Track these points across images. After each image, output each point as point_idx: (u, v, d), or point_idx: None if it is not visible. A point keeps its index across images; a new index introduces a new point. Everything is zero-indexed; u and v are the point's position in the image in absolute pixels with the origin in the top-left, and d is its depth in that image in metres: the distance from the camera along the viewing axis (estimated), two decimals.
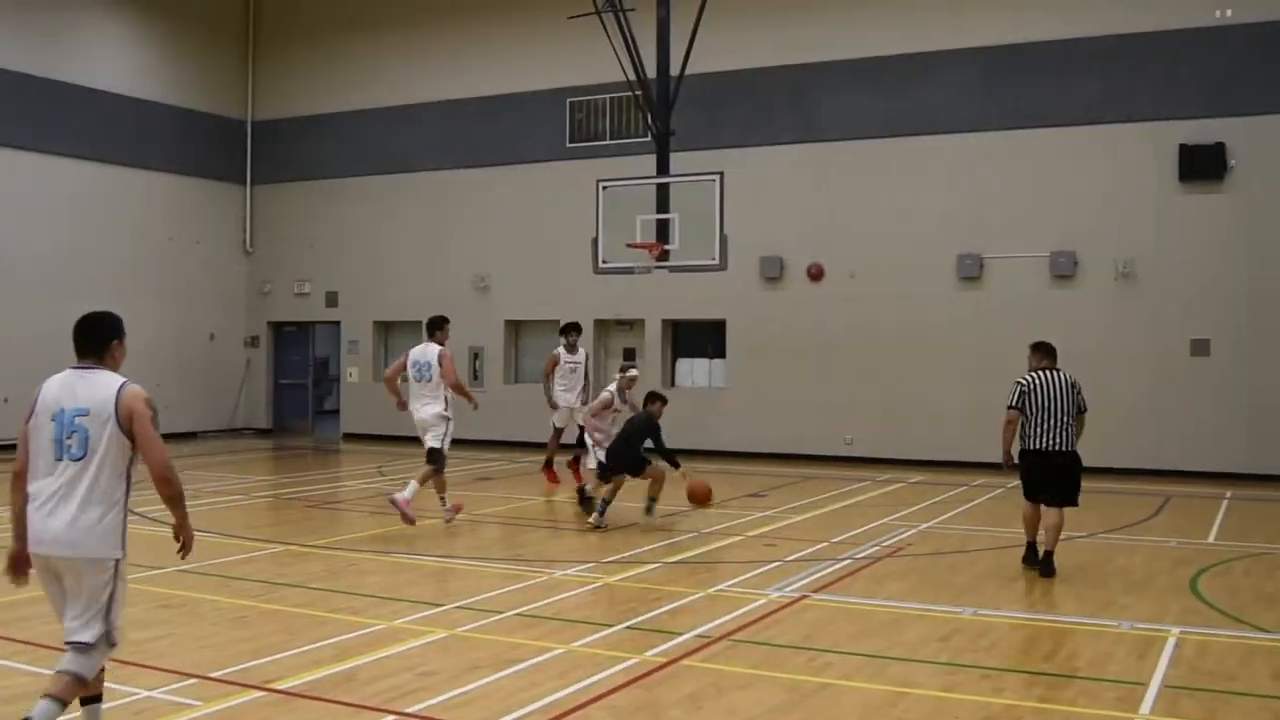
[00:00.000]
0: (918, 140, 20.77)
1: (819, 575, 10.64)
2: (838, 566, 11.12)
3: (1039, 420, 10.85)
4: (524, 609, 9.13)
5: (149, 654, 7.74)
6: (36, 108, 22.92)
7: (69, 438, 5.58)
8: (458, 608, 9.15)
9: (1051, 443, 10.80)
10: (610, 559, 11.47)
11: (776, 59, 21.82)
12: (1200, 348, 18.88)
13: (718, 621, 8.73)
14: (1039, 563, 10.89)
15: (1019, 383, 11.14)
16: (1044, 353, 11.35)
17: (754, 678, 7.32)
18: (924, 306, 20.50)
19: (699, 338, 23.12)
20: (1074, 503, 10.94)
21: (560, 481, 17.18)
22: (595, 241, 17.30)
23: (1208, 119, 18.82)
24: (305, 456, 22.86)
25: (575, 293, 22.81)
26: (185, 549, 5.98)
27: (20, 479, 5.70)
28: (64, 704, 5.56)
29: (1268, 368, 18.50)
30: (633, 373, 15.41)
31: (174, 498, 5.84)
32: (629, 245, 16.84)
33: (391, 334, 26.32)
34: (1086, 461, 11.27)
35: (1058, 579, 10.64)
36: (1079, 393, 11.06)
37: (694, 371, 23.00)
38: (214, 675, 7.26)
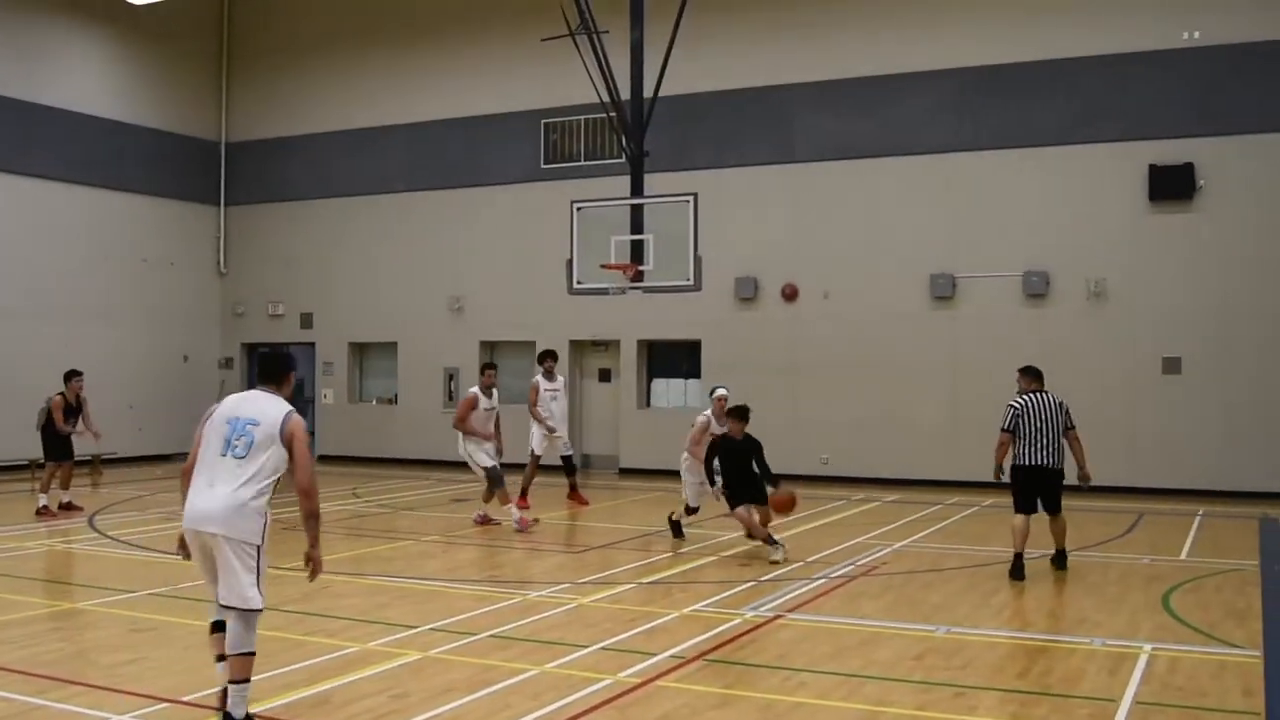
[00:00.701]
0: (891, 161, 20.90)
1: (794, 594, 10.66)
2: (813, 585, 11.14)
3: (1031, 439, 11.66)
4: (498, 630, 9.11)
5: (120, 678, 7.70)
6: (10, 129, 22.82)
7: (238, 439, 6.68)
8: (432, 630, 9.13)
9: (1043, 459, 11.65)
10: (585, 580, 11.46)
11: (750, 80, 21.93)
12: (1172, 365, 19.03)
13: (692, 641, 8.73)
14: (1054, 560, 12.09)
15: (1012, 406, 11.83)
16: (1032, 376, 12.11)
17: (728, 698, 7.33)
18: (898, 326, 20.59)
19: (674, 358, 23.14)
20: (1060, 509, 11.96)
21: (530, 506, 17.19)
22: (570, 262, 17.30)
23: (1177, 139, 19.00)
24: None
25: (550, 313, 22.83)
26: (315, 572, 6.82)
27: (187, 475, 6.81)
28: (245, 682, 6.61)
29: (1239, 385, 18.65)
30: (721, 391, 14.65)
31: (313, 513, 6.77)
32: (604, 266, 16.83)
33: (366, 355, 26.26)
34: None
35: (1030, 595, 10.70)
36: (1066, 412, 11.89)
37: (669, 391, 23.02)
38: (186, 699, 7.22)
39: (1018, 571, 11.50)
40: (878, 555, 12.97)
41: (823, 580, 11.42)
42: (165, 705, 7.10)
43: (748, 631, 9.12)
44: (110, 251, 24.78)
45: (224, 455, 6.66)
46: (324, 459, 25.75)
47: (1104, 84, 19.52)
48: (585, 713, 6.96)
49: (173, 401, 25.89)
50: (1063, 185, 19.70)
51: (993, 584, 11.25)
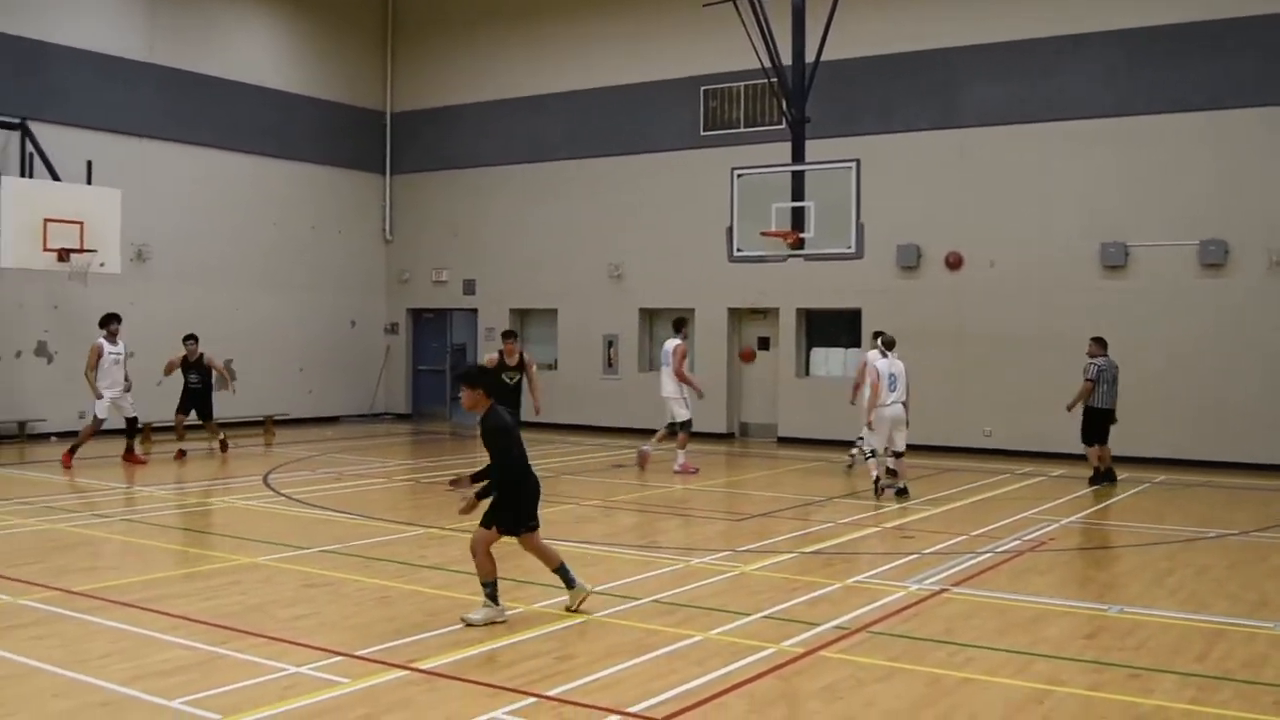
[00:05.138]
0: (1060, 125, 20.25)
1: (959, 568, 10.47)
2: (978, 560, 10.92)
3: (1103, 390, 16.54)
4: (660, 596, 9.16)
5: (297, 631, 7.95)
6: (188, 101, 23.67)
7: (894, 383, 15.21)
8: (595, 593, 9.20)
9: (1108, 404, 16.61)
10: (745, 548, 11.44)
11: (913, 44, 21.48)
12: None
13: (856, 613, 8.65)
14: (1107, 477, 16.59)
15: (1095, 364, 16.59)
16: (1101, 345, 16.77)
17: (894, 670, 7.24)
18: (1066, 295, 19.99)
19: (834, 327, 22.88)
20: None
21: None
22: (730, 230, 17.25)
23: None
24: (443, 441, 23.23)
25: (709, 281, 22.80)
26: None
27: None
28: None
29: None
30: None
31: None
32: (764, 233, 16.76)
33: (528, 321, 26.59)
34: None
35: (1207, 576, 10.32)
36: (1117, 371, 16.77)
37: (828, 361, 22.78)
38: (359, 654, 7.42)
39: (1099, 479, 16.50)
40: (1044, 531, 12.66)
41: (988, 555, 11.19)
42: (340, 658, 7.30)
43: (912, 605, 8.99)
44: (280, 219, 25.56)
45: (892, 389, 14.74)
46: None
47: None
48: (749, 681, 6.95)
49: (341, 365, 26.69)
50: (1242, 149, 18.83)
51: (1166, 563, 10.88)
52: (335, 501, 14.31)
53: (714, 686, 6.80)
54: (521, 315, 26.55)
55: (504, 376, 15.85)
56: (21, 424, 20.72)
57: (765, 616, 8.54)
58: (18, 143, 20.59)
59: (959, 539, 12.03)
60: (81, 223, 19.51)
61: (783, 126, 19.00)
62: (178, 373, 19.23)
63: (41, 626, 8.12)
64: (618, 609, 8.71)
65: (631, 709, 6.36)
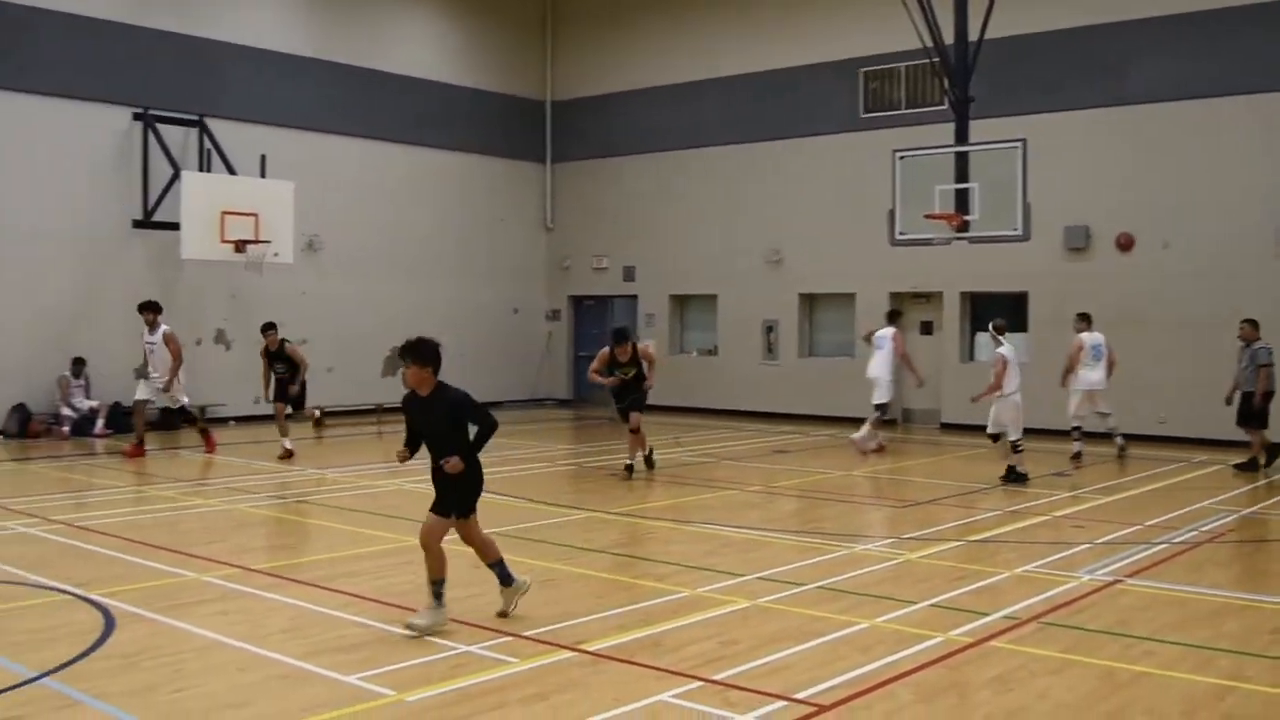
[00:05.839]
0: (1235, 100, 19.40)
1: (1133, 559, 10.15)
2: (1152, 551, 10.58)
3: (1274, 375, 16.02)
4: (824, 582, 9.10)
5: (465, 611, 8.11)
6: (354, 95, 24.34)
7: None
8: (758, 578, 9.20)
9: (1274, 387, 16.07)
10: (910, 535, 11.29)
11: (1078, 19, 20.82)
12: None
13: (1026, 603, 8.46)
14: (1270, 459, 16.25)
15: (1266, 347, 15.99)
16: (1256, 327, 16.24)
17: (1066, 662, 7.06)
18: (1244, 278, 19.15)
19: (999, 311, 22.27)
20: None
21: None
22: (892, 213, 17.03)
23: None
24: (604, 427, 23.41)
25: (870, 265, 22.52)
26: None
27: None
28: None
29: None
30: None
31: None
32: (927, 216, 16.49)
33: (687, 307, 26.65)
34: None
35: None
36: None
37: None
38: (526, 634, 7.55)
39: (1265, 462, 16.15)
40: (1223, 522, 12.20)
41: (1164, 545, 10.84)
42: (508, 639, 7.45)
43: (1084, 595, 8.75)
44: (442, 208, 26.09)
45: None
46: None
47: None
48: (917, 669, 6.86)
49: (502, 352, 27.14)
50: None
51: None
52: (500, 485, 14.53)
53: (881, 674, 6.74)
54: (681, 301, 26.63)
55: (619, 373, 15.67)
56: (202, 409, 21.55)
57: (932, 605, 8.42)
58: (196, 138, 21.47)
59: (1132, 529, 11.67)
60: (256, 214, 20.25)
61: (945, 107, 18.65)
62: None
63: (225, 602, 8.46)
64: (781, 595, 8.68)
65: (798, 695, 6.34)
